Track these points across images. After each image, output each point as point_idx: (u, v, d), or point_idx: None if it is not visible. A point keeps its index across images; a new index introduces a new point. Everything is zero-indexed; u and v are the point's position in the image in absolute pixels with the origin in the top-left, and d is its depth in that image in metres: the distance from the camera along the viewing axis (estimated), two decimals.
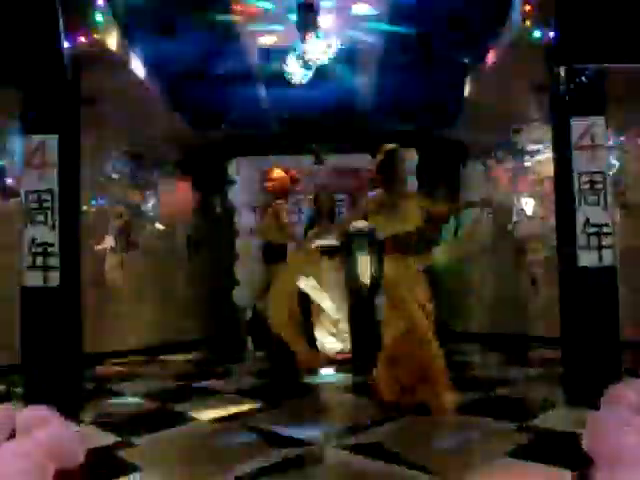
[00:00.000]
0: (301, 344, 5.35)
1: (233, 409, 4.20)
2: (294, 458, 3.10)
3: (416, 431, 3.63)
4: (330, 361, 5.90)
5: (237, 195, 7.53)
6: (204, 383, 5.20)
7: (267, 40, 5.19)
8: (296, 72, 5.09)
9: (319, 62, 4.87)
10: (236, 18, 4.82)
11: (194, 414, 4.08)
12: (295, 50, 4.85)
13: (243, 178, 7.54)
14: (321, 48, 4.78)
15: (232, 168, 7.54)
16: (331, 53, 4.80)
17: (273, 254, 5.52)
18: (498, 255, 7.06)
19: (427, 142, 7.48)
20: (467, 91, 5.93)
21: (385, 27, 4.97)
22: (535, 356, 5.99)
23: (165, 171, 7.49)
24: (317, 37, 4.72)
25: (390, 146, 4.13)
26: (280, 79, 5.58)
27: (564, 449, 3.17)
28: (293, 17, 4.73)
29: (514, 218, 6.95)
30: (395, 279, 4.02)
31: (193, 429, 3.79)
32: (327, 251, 6.35)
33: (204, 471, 3.06)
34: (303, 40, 4.72)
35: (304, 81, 5.15)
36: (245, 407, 4.26)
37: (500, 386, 4.64)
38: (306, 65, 4.94)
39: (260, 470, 2.92)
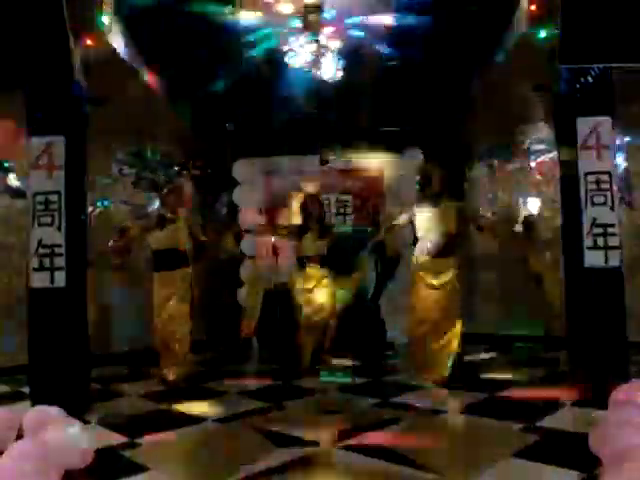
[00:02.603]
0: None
1: (239, 409, 4.20)
2: (300, 459, 3.10)
3: (421, 432, 3.63)
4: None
5: (241, 196, 7.52)
6: (210, 383, 5.20)
7: (273, 41, 5.19)
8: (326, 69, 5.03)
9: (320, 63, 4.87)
10: (241, 19, 4.82)
11: (200, 414, 4.09)
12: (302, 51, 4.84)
13: (247, 179, 7.54)
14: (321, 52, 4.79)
15: (236, 169, 7.54)
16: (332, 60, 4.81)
17: None
18: (504, 256, 7.04)
19: (432, 143, 7.47)
20: (472, 91, 5.92)
21: (389, 27, 4.96)
22: (541, 356, 5.97)
23: (169, 172, 7.48)
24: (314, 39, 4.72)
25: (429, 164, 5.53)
26: (284, 79, 5.59)
27: (571, 450, 3.17)
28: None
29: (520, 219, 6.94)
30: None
31: (199, 430, 3.80)
32: (316, 259, 5.93)
33: (210, 471, 3.07)
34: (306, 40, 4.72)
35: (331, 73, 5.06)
36: (251, 407, 4.26)
37: (507, 386, 4.63)
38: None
39: (266, 470, 2.93)
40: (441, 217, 5.01)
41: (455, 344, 4.90)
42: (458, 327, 4.93)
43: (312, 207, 6.07)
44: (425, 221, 5.06)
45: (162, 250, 5.31)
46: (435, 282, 4.97)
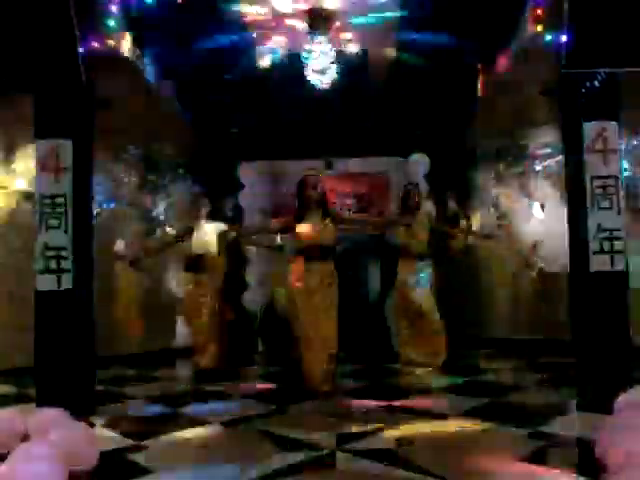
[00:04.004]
0: None
1: (244, 412, 4.21)
2: (305, 462, 3.10)
3: (427, 436, 3.63)
4: None
5: (246, 198, 7.54)
6: (215, 386, 5.21)
7: (278, 44, 5.21)
8: (318, 78, 5.09)
9: (327, 67, 4.89)
10: (247, 23, 4.84)
11: (205, 417, 4.10)
12: (308, 55, 4.87)
13: (252, 182, 7.56)
14: (327, 56, 4.81)
15: (241, 171, 7.56)
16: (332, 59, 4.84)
17: None
18: (510, 259, 7.02)
19: (438, 146, 7.48)
20: (478, 95, 5.93)
21: (397, 31, 4.98)
22: (546, 361, 5.94)
23: (175, 174, 7.51)
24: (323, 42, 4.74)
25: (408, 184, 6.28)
26: (290, 83, 5.61)
27: (576, 455, 3.16)
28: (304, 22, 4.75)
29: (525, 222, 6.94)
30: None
31: (204, 432, 3.80)
32: (319, 252, 4.84)
33: (215, 475, 3.07)
34: (312, 44, 4.74)
35: (325, 84, 5.13)
36: (256, 410, 4.27)
37: (512, 391, 4.62)
38: (322, 70, 4.95)
39: (271, 474, 2.93)
40: (418, 227, 6.02)
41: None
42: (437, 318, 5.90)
43: (311, 188, 4.92)
44: (405, 230, 6.03)
45: (193, 255, 5.90)
46: (414, 281, 5.95)
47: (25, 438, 3.21)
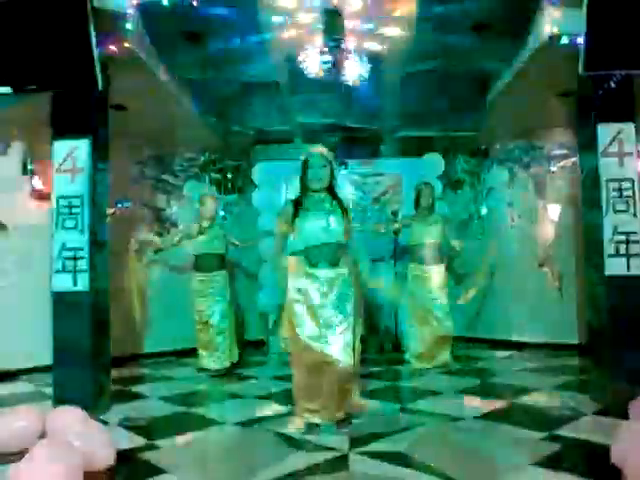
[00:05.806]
0: None
1: (257, 413, 4.23)
2: (318, 464, 3.11)
3: (440, 439, 3.62)
4: None
5: (260, 198, 7.55)
6: (228, 387, 5.23)
7: (295, 45, 5.20)
8: (313, 63, 5.06)
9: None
10: (264, 25, 4.86)
11: (218, 418, 4.12)
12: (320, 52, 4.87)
13: (266, 182, 7.57)
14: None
15: (255, 172, 7.58)
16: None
17: None
18: (523, 261, 6.99)
19: (451, 147, 7.46)
20: (492, 96, 5.90)
21: (409, 32, 4.96)
22: (562, 364, 5.90)
23: (190, 175, 7.54)
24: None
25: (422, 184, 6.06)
26: (306, 84, 5.60)
27: (591, 459, 3.14)
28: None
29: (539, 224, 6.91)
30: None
31: (217, 433, 3.82)
32: (326, 253, 3.64)
33: (228, 475, 3.09)
34: (330, 46, 4.75)
35: (320, 72, 5.10)
36: (269, 411, 4.28)
37: (526, 394, 4.60)
38: (325, 62, 4.94)
39: (284, 476, 2.94)
40: (432, 229, 5.89)
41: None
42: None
43: (317, 168, 3.74)
44: (418, 232, 5.90)
45: (202, 254, 5.96)
46: (428, 288, 5.81)
47: (42, 437, 3.25)
